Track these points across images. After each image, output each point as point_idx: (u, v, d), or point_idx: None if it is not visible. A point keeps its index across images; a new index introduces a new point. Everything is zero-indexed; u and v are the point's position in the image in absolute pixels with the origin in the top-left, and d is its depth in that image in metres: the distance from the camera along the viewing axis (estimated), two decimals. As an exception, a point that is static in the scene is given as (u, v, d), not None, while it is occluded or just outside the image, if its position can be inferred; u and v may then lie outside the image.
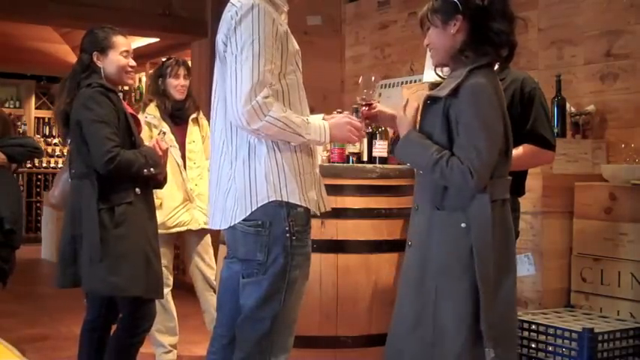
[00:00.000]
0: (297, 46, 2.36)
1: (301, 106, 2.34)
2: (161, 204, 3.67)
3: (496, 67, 2.89)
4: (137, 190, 2.88)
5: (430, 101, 2.34)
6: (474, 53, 2.30)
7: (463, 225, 2.27)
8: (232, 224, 2.28)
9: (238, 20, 2.18)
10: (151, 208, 2.98)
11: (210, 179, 2.42)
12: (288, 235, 2.24)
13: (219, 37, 2.27)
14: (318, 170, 2.40)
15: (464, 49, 2.32)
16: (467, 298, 2.26)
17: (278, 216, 2.24)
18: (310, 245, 2.36)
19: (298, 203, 2.26)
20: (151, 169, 2.89)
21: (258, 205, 2.23)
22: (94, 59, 2.95)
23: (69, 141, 2.99)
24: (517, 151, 2.88)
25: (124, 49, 2.99)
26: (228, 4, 2.26)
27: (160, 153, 2.98)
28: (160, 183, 3.06)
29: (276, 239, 2.24)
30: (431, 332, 2.31)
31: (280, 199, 2.24)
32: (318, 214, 2.38)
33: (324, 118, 2.36)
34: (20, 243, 4.24)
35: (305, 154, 2.31)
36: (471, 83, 2.25)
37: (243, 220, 2.26)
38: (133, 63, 3.03)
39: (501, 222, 2.32)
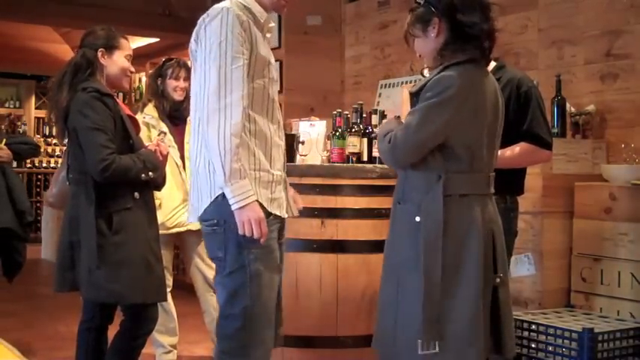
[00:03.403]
0: (270, 59, 2.39)
1: (267, 117, 2.36)
2: (160, 204, 3.66)
3: (492, 66, 2.93)
4: (136, 194, 2.85)
5: (415, 100, 2.39)
6: (451, 52, 2.34)
7: (417, 219, 2.31)
8: (199, 218, 2.35)
9: (208, 22, 2.27)
10: (151, 212, 2.95)
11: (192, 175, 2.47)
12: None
13: (192, 39, 2.35)
14: (279, 173, 2.40)
15: (442, 49, 2.37)
16: (422, 292, 2.28)
17: (231, 212, 2.24)
18: (272, 238, 2.33)
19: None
20: (150, 174, 2.86)
21: (216, 195, 2.27)
22: (99, 56, 2.91)
23: (66, 139, 2.96)
24: (513, 150, 2.89)
25: (127, 52, 2.98)
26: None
27: (161, 158, 2.97)
28: (159, 185, 3.05)
29: (230, 235, 2.26)
30: (393, 324, 2.35)
31: None
32: (283, 215, 2.39)
33: None
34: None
35: (261, 152, 2.33)
36: (439, 75, 2.30)
37: (202, 220, 2.33)
38: (132, 69, 3.02)
39: (458, 217, 2.31)
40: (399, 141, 2.31)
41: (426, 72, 2.52)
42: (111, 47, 2.93)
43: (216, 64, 2.21)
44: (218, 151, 2.18)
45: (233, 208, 2.21)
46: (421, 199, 2.32)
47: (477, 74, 2.35)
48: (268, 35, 2.44)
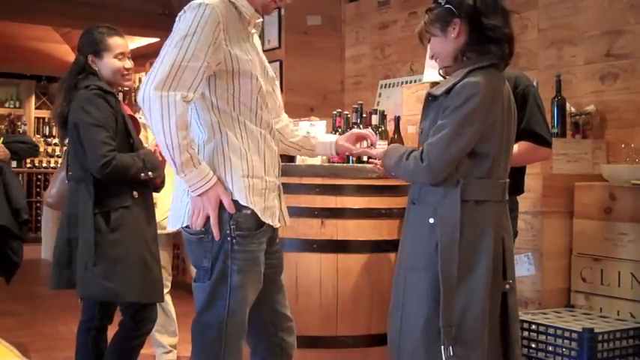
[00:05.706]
0: (255, 59, 2.26)
1: (255, 120, 2.24)
2: (156, 203, 3.65)
3: None
4: (135, 193, 2.86)
5: (431, 98, 2.38)
6: (476, 54, 2.34)
7: (431, 221, 2.31)
8: (179, 227, 2.25)
9: (182, 13, 2.17)
10: (149, 211, 2.95)
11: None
12: (229, 238, 2.17)
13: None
14: (273, 179, 2.30)
15: (465, 51, 2.35)
16: (427, 294, 2.29)
17: (220, 219, 2.16)
18: (260, 250, 2.25)
19: (244, 204, 2.18)
20: (149, 174, 2.87)
21: None
22: (89, 62, 2.93)
23: (67, 141, 2.97)
24: (513, 149, 2.90)
25: (119, 51, 2.95)
26: None
27: (160, 158, 2.97)
28: (158, 187, 3.05)
29: (219, 244, 2.17)
30: (399, 324, 2.36)
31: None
32: (275, 225, 2.31)
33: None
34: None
35: (255, 157, 2.23)
36: (465, 81, 2.28)
37: (186, 227, 2.21)
38: (128, 65, 2.98)
39: (472, 223, 2.31)
40: (432, 158, 2.28)
41: (442, 72, 2.50)
42: (98, 51, 2.93)
43: (172, 55, 2.08)
44: (165, 145, 2.07)
45: (191, 195, 2.15)
46: (437, 202, 2.31)
47: (498, 80, 2.35)
48: (253, 31, 2.33)
